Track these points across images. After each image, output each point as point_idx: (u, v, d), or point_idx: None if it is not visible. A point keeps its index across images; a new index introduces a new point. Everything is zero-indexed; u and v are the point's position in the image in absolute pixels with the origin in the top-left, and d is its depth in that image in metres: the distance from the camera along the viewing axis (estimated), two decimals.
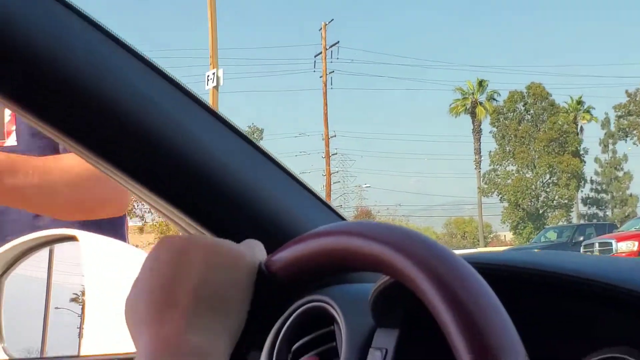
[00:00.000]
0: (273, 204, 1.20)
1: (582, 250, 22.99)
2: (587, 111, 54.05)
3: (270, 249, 0.94)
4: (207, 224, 1.18)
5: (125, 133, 1.05)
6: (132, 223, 45.86)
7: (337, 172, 48.14)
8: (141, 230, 43.59)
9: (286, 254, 0.90)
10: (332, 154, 43.57)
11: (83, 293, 1.41)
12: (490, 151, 54.20)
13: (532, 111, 52.79)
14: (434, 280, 0.70)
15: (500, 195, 53.17)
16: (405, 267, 0.74)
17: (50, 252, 1.51)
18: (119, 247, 1.46)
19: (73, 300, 1.48)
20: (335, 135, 44.42)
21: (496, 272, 0.94)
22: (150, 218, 41.04)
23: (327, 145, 40.95)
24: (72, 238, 1.45)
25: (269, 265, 0.91)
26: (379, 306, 1.09)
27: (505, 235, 56.34)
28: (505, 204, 53.05)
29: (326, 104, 40.34)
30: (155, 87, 1.09)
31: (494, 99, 53.71)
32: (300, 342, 1.24)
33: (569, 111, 53.52)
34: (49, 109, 1.02)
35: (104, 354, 1.30)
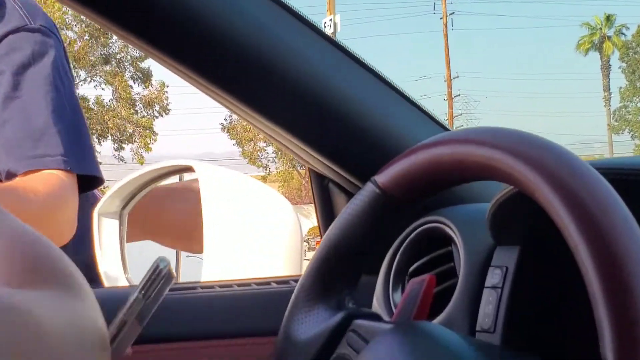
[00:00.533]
0: (382, 120, 1.17)
1: None
2: None
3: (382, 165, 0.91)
4: (324, 148, 1.17)
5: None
6: (256, 172, 46.79)
7: (461, 114, 47.37)
8: (264, 179, 44.49)
9: (395, 169, 0.87)
10: (455, 96, 42.88)
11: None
12: (620, 87, 52.24)
13: None
14: (558, 188, 0.65)
15: (631, 133, 51.28)
16: (525, 175, 0.69)
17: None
18: (235, 177, 1.46)
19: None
20: (457, 77, 43.68)
21: (624, 177, 0.88)
22: (274, 167, 41.72)
23: (450, 87, 40.35)
24: (188, 169, 1.47)
25: (379, 180, 0.88)
26: (498, 223, 1.05)
27: None
28: (637, 142, 51.17)
29: (447, 46, 39.69)
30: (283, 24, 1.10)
31: (623, 34, 51.55)
32: (417, 264, 1.22)
33: None
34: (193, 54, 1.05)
35: (223, 280, 1.31)
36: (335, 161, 1.20)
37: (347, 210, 0.92)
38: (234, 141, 40.47)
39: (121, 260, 1.54)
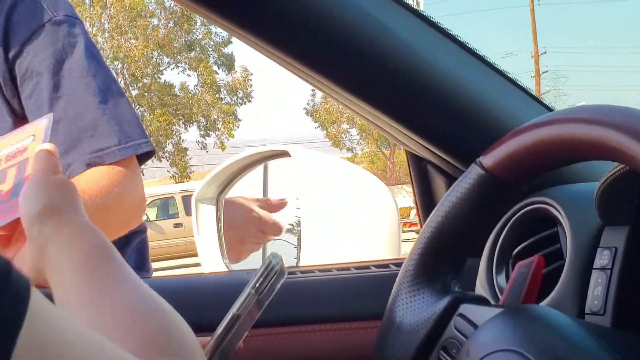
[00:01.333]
0: (483, 101, 1.15)
1: None
2: None
3: (484, 147, 0.89)
4: (423, 130, 1.16)
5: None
6: (341, 154, 46.90)
7: (549, 91, 46.46)
8: (351, 161, 44.41)
9: (502, 150, 0.85)
10: (543, 72, 42.01)
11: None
12: None
13: None
14: None
15: None
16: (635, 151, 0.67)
17: (265, 169, 1.54)
18: (330, 160, 1.46)
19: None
20: (545, 52, 42.73)
21: None
22: (360, 149, 41.72)
23: (537, 63, 39.57)
24: (284, 154, 1.47)
25: (485, 162, 0.86)
26: (606, 202, 1.01)
27: None
28: None
29: (534, 21, 38.86)
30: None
31: None
32: (522, 245, 1.19)
33: None
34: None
35: (322, 264, 1.31)
36: (435, 143, 1.18)
37: (452, 192, 0.90)
38: (317, 124, 40.63)
39: (219, 245, 1.55)
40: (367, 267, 1.29)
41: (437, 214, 0.91)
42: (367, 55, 1.08)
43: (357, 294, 1.26)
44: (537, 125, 0.80)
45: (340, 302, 1.25)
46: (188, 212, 19.29)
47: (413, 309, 0.93)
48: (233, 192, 1.59)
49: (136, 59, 34.97)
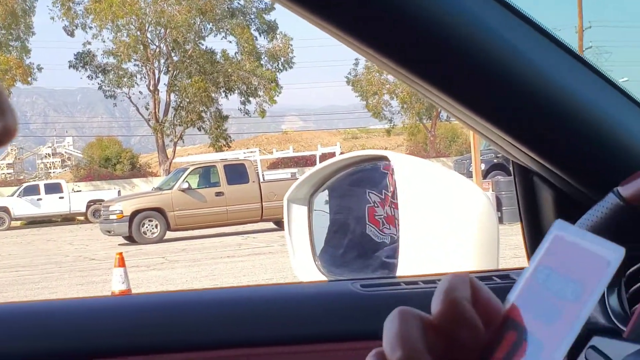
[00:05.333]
0: (613, 126, 1.12)
1: None
2: None
3: (615, 178, 0.87)
4: (547, 153, 1.13)
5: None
6: (380, 126, 46.65)
7: None
8: (388, 132, 44.32)
9: None
10: (587, 48, 41.39)
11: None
12: None
13: None
14: None
15: None
16: None
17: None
18: (428, 166, 1.44)
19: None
20: (590, 27, 42.12)
21: None
22: (400, 120, 41.54)
23: (581, 38, 38.91)
24: (382, 158, 1.45)
25: (623, 193, 0.84)
26: None
27: None
28: None
29: None
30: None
31: None
32: (637, 266, 1.16)
33: None
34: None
35: (421, 274, 1.30)
36: (558, 165, 1.15)
37: (587, 217, 0.88)
38: (357, 94, 40.49)
39: (310, 246, 1.55)
40: None
41: None
42: (491, 73, 1.05)
43: None
44: None
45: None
46: (230, 182, 19.40)
47: None
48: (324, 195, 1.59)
49: (179, 24, 34.99)
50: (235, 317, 1.22)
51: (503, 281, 1.28)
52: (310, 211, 1.56)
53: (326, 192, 1.60)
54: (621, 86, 1.14)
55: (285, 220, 1.56)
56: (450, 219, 1.40)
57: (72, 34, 37.69)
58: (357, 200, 1.60)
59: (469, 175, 17.23)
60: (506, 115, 1.12)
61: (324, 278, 1.54)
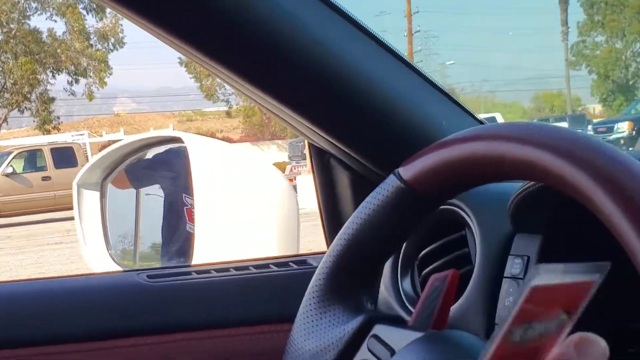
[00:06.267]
0: (406, 108, 1.09)
1: None
2: None
3: (405, 156, 0.84)
4: (340, 135, 1.10)
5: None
6: (216, 108, 46.43)
7: (420, 50, 47.22)
8: (228, 114, 44.10)
9: (422, 163, 0.79)
10: (415, 32, 42.62)
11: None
12: (578, 22, 52.38)
13: None
14: (617, 196, 0.59)
15: (588, 68, 51.60)
16: (579, 180, 0.63)
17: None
18: (226, 149, 1.38)
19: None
20: (418, 12, 43.40)
21: None
22: (235, 102, 41.40)
23: (410, 22, 40.06)
24: (176, 140, 1.38)
25: (404, 175, 0.80)
26: (520, 211, 0.98)
27: (594, 108, 55.00)
28: (594, 76, 51.54)
29: None
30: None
31: None
32: (428, 249, 1.15)
33: None
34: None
35: (218, 262, 1.24)
36: (350, 146, 1.12)
37: (368, 205, 0.84)
38: (191, 75, 40.02)
39: (103, 234, 1.46)
40: (267, 266, 1.22)
41: (350, 227, 0.85)
42: (281, 53, 1.00)
43: (257, 296, 1.20)
44: (462, 140, 0.75)
45: (240, 304, 1.18)
46: (57, 166, 18.78)
47: (322, 327, 0.87)
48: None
49: (1, 3, 33.37)
50: (13, 315, 1.12)
51: (299, 267, 1.24)
52: (103, 196, 1.47)
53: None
54: (415, 65, 1.12)
55: (75, 206, 1.45)
56: (250, 203, 1.35)
57: None
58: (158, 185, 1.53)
59: (303, 157, 17.38)
60: (299, 97, 1.07)
61: (118, 268, 1.46)
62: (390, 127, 1.09)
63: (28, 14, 35.71)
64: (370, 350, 0.83)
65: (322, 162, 1.25)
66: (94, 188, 1.46)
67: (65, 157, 19.47)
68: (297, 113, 1.09)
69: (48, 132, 34.41)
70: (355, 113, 1.07)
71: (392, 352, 0.81)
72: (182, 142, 1.36)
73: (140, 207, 1.53)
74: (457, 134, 0.76)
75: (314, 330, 0.87)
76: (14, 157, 19.40)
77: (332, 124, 1.11)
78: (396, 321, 0.86)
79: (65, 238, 14.36)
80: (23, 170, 19.41)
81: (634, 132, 24.16)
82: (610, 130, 24.63)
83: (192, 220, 1.46)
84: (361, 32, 1.08)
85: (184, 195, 1.51)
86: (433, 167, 0.78)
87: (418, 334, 0.80)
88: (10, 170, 19.00)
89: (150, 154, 1.50)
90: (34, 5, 35.77)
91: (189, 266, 1.25)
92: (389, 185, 0.82)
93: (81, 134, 25.70)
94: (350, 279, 0.87)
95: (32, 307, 1.13)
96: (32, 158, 19.84)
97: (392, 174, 0.81)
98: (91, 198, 1.46)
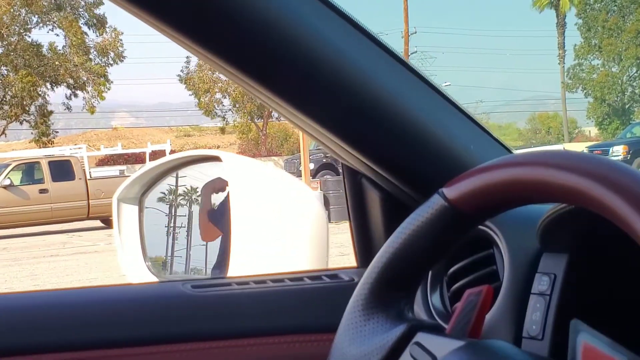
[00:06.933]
0: (437, 132, 1.17)
1: None
2: None
3: (440, 180, 0.91)
4: (374, 156, 1.17)
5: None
6: (212, 124, 46.47)
7: None
8: (222, 130, 44.22)
9: (466, 185, 0.86)
10: (412, 53, 42.86)
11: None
12: (574, 45, 52.64)
13: (619, 2, 50.82)
14: None
15: (585, 91, 51.80)
16: (616, 205, 0.70)
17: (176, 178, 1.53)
18: (261, 167, 1.45)
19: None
20: (415, 32, 43.66)
21: None
22: (232, 119, 41.48)
23: (407, 43, 40.23)
24: (215, 158, 1.45)
25: (448, 194, 0.87)
26: (549, 231, 1.05)
27: (590, 131, 55.26)
28: (590, 99, 51.73)
29: (406, 0, 39.46)
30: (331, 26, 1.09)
31: None
32: (458, 265, 1.22)
33: None
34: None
35: (252, 275, 1.30)
36: (383, 167, 1.19)
37: (413, 221, 0.91)
38: (190, 92, 40.15)
39: (141, 247, 1.52)
40: (301, 279, 1.29)
41: (395, 240, 0.91)
42: (325, 79, 1.07)
43: (292, 306, 1.26)
44: (506, 164, 0.82)
45: (276, 314, 1.25)
46: (54, 179, 18.79)
47: (366, 334, 0.93)
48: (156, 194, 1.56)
49: (2, 16, 33.46)
50: (65, 320, 1.18)
51: (332, 280, 1.31)
52: (141, 211, 1.54)
53: (159, 191, 1.59)
54: (443, 91, 1.20)
55: (114, 220, 1.52)
56: (282, 219, 1.41)
57: None
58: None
59: (299, 174, 17.50)
60: (333, 118, 1.14)
61: (154, 279, 1.52)
62: (422, 149, 1.16)
63: (29, 27, 35.84)
64: (412, 357, 0.90)
65: (355, 182, 1.32)
66: (133, 202, 1.53)
67: (62, 170, 19.53)
68: (335, 135, 1.16)
69: (45, 144, 34.42)
70: (390, 136, 1.14)
71: (434, 358, 0.87)
72: (220, 160, 1.42)
73: (175, 224, 1.59)
74: (500, 160, 0.83)
75: (358, 336, 0.93)
76: (11, 170, 19.43)
77: (367, 146, 1.18)
78: (437, 329, 0.92)
79: (61, 251, 14.39)
80: (20, 182, 19.43)
81: (628, 156, 24.28)
82: (605, 153, 24.74)
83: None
84: (394, 59, 1.15)
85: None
86: (477, 189, 0.85)
87: (459, 343, 0.86)
88: (7, 182, 19.02)
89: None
90: (34, 19, 35.89)
91: (229, 278, 1.32)
92: (433, 203, 0.88)
93: (79, 148, 25.73)
94: (393, 289, 0.93)
95: (79, 313, 1.20)
96: (29, 170, 19.87)
97: (436, 194, 0.88)
98: (130, 212, 1.53)
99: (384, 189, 1.28)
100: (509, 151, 1.25)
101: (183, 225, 1.64)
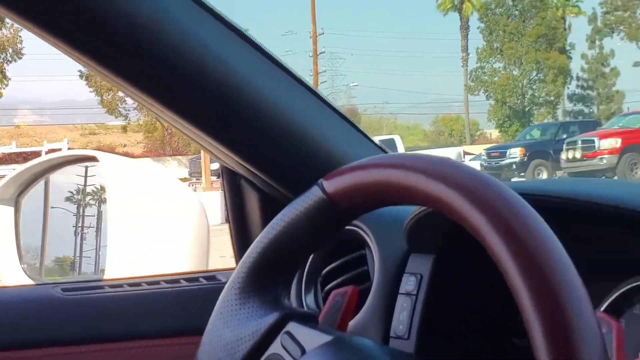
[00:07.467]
0: (312, 133, 1.18)
1: (564, 147, 22.86)
2: (575, 5, 53.38)
3: (315, 180, 0.92)
4: (251, 158, 1.17)
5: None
6: (119, 122, 45.68)
7: (325, 71, 47.77)
8: (124, 129, 43.54)
9: (345, 180, 0.86)
10: (320, 53, 43.11)
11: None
12: (477, 48, 53.75)
13: (520, 6, 52.14)
14: (505, 235, 0.69)
15: (486, 93, 52.93)
16: (474, 217, 0.72)
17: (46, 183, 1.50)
18: (140, 168, 1.44)
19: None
20: (323, 33, 43.89)
21: (543, 202, 0.92)
22: (135, 117, 40.88)
23: (315, 43, 40.43)
24: (91, 159, 1.43)
25: (327, 188, 0.88)
26: (414, 233, 1.08)
27: (491, 133, 56.47)
28: (492, 102, 52.91)
29: (313, 1, 39.61)
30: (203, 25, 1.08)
31: None
32: (331, 266, 1.24)
33: (557, 6, 52.86)
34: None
35: (126, 277, 1.29)
36: (260, 168, 1.20)
37: (292, 209, 0.91)
38: (92, 89, 39.35)
39: (17, 248, 1.49)
40: (178, 281, 1.28)
41: (274, 227, 0.91)
42: (194, 78, 1.07)
43: (168, 309, 1.25)
44: (384, 165, 0.83)
45: (151, 317, 1.24)
46: None
47: (241, 318, 0.93)
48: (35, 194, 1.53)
49: None
50: None
51: (209, 282, 1.30)
52: (17, 211, 1.50)
53: (37, 192, 1.55)
54: (321, 94, 1.21)
55: None
56: (162, 221, 1.40)
57: None
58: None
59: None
60: (210, 120, 1.14)
61: (30, 282, 1.49)
62: (297, 151, 1.17)
63: None
64: (283, 346, 0.90)
65: (234, 183, 1.32)
66: (9, 203, 1.50)
67: None
68: (211, 137, 1.16)
69: None
70: (265, 137, 1.15)
71: (303, 350, 0.88)
72: (97, 160, 1.40)
73: (48, 222, 1.56)
74: (380, 158, 0.84)
75: (232, 319, 0.93)
76: None
77: (243, 147, 1.18)
78: (309, 320, 0.92)
79: None
80: None
81: (525, 158, 24.86)
82: (503, 155, 25.29)
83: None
84: (270, 61, 1.16)
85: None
86: (355, 185, 0.86)
87: (327, 337, 0.88)
88: None
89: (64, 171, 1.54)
90: None
91: (103, 280, 1.30)
92: (312, 194, 0.89)
93: None
94: (270, 275, 0.93)
95: None
96: None
97: (316, 185, 0.88)
98: (5, 213, 1.49)
99: (262, 190, 1.29)
100: (384, 152, 1.28)
101: (92, 225, 1.61)
